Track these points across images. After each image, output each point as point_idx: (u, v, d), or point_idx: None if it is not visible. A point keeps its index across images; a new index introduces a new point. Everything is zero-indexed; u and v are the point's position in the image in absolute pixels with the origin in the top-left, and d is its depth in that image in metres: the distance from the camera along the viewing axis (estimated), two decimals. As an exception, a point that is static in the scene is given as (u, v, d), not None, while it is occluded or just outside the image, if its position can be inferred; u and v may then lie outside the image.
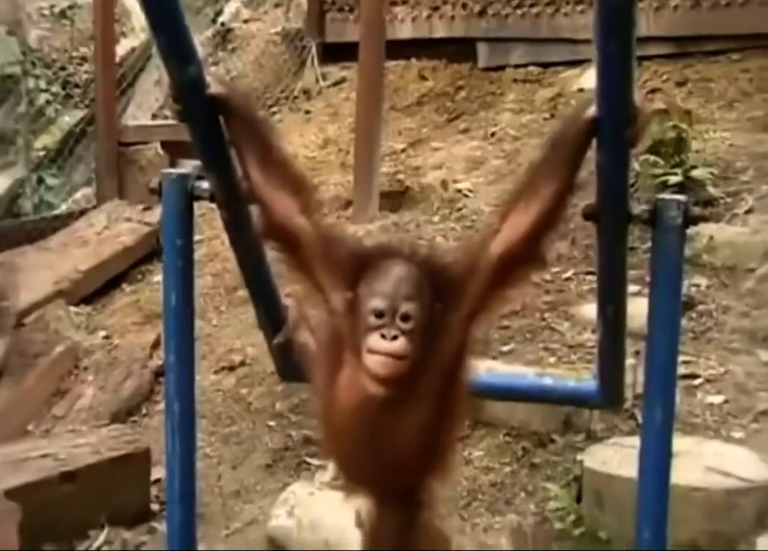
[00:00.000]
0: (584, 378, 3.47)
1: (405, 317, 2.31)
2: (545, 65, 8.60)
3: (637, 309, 2.68)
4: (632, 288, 2.92)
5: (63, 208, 9.16)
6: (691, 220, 2.53)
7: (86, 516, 5.21)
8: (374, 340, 2.30)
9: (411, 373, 2.34)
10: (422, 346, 2.34)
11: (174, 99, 2.41)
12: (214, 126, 2.46)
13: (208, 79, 2.42)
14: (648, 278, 2.59)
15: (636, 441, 2.69)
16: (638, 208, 2.51)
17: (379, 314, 2.31)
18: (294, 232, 2.48)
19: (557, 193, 2.34)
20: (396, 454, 2.53)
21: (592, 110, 2.26)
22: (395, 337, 2.30)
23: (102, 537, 5.22)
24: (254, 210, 2.53)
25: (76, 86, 10.02)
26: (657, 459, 2.59)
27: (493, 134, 7.99)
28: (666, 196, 2.60)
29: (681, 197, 2.57)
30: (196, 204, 2.78)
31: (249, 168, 2.48)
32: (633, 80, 2.18)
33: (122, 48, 9.75)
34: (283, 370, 3.13)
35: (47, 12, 10.52)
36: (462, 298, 2.41)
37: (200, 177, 2.72)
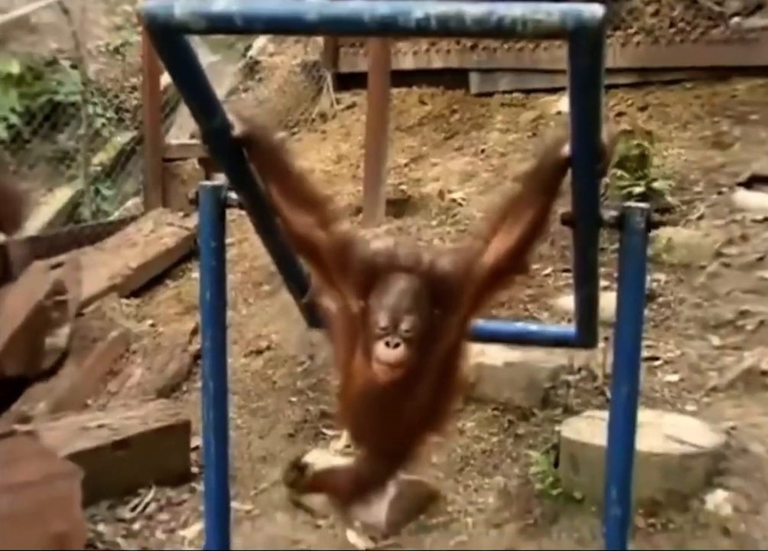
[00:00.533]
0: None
1: (406, 330, 2.37)
2: (528, 91, 8.60)
3: (606, 302, 2.68)
4: (602, 283, 2.91)
5: (116, 215, 9.20)
6: (652, 225, 2.54)
7: (136, 478, 5.22)
8: (380, 349, 2.37)
9: (411, 369, 2.41)
10: (422, 347, 2.41)
11: (203, 142, 2.42)
12: (239, 158, 2.47)
13: (232, 120, 2.44)
14: (616, 275, 2.59)
15: (606, 414, 2.70)
16: (607, 215, 2.52)
17: (383, 327, 2.37)
18: (314, 244, 2.51)
19: (537, 218, 2.38)
20: (400, 425, 2.57)
21: (566, 150, 2.29)
22: (397, 345, 2.36)
23: (150, 495, 5.22)
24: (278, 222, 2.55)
25: (127, 111, 10.07)
26: (624, 429, 2.59)
27: (483, 151, 7.98)
28: (631, 204, 2.60)
29: (644, 205, 2.57)
30: (228, 211, 2.79)
31: (272, 191, 2.51)
32: (600, 127, 2.19)
33: (165, 79, 9.73)
34: (310, 321, 3.19)
35: (103, 49, 10.59)
36: (459, 301, 2.43)
37: (231, 189, 2.73)
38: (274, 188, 2.50)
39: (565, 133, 2.28)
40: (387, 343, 2.36)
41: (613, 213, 2.52)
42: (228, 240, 2.73)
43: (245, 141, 2.47)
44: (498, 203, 2.48)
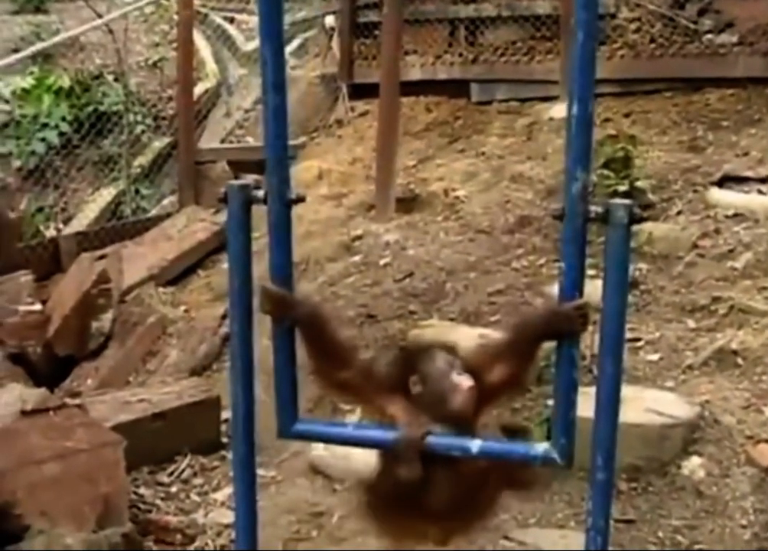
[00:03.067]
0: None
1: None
2: (523, 100, 8.57)
3: (593, 289, 2.66)
4: (589, 272, 2.91)
5: (153, 212, 9.20)
6: (635, 220, 2.53)
7: (172, 446, 5.25)
8: (455, 378, 2.47)
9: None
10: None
11: None
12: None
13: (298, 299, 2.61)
14: (602, 265, 2.58)
15: (592, 390, 2.69)
16: (594, 210, 2.51)
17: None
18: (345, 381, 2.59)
19: (525, 364, 2.50)
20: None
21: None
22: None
23: (185, 462, 5.25)
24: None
25: (164, 119, 10.08)
26: (609, 403, 2.58)
27: (482, 153, 7.97)
28: (616, 201, 2.59)
29: (627, 202, 2.56)
30: (253, 208, 2.79)
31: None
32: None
33: (198, 90, 9.77)
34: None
35: (143, 64, 10.60)
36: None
37: (256, 188, 2.73)
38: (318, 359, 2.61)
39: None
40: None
41: (600, 208, 2.52)
42: (254, 235, 2.72)
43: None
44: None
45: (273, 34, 2.57)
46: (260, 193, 2.73)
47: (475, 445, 2.50)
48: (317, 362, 2.62)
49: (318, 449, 4.82)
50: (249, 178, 2.73)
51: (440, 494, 2.52)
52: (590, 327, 3.53)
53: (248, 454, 2.86)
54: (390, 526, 2.72)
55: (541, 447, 2.55)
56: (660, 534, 3.93)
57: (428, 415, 2.51)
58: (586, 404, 2.54)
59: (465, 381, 2.47)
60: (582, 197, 2.47)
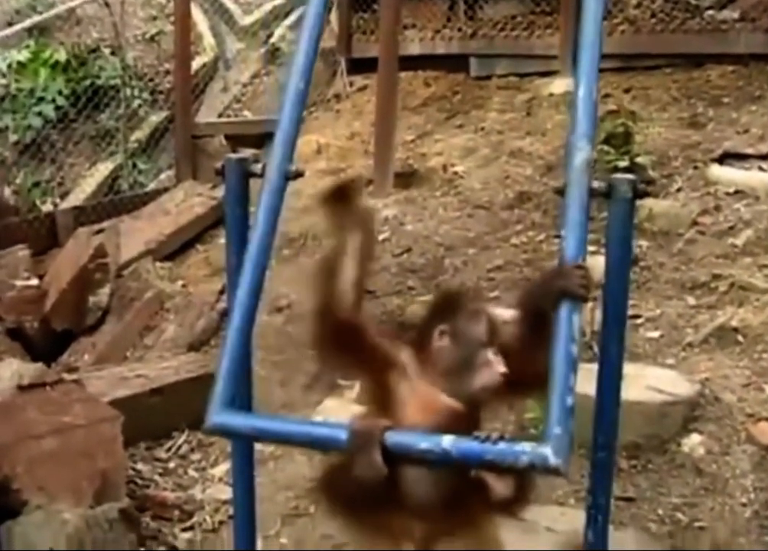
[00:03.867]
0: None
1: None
2: (522, 75, 8.50)
3: (593, 265, 2.62)
4: (589, 248, 2.88)
5: (151, 186, 9.16)
6: (638, 194, 2.50)
7: (170, 422, 5.22)
8: (489, 356, 2.38)
9: None
10: None
11: None
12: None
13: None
14: (603, 241, 2.55)
15: (591, 367, 2.67)
16: (597, 185, 2.48)
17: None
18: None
19: (541, 346, 2.27)
20: None
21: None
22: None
23: (182, 438, 5.23)
24: None
25: (161, 93, 10.02)
26: (611, 380, 2.56)
27: (482, 128, 7.92)
28: (619, 175, 2.56)
29: (631, 177, 2.54)
30: (251, 181, 2.76)
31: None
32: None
33: (195, 64, 9.71)
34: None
35: (140, 38, 10.52)
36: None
37: (254, 161, 2.70)
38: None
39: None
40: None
41: (603, 183, 2.49)
42: (252, 208, 2.69)
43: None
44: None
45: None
46: (258, 166, 2.71)
47: (447, 442, 2.15)
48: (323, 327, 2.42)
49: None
50: (247, 152, 2.69)
51: (417, 493, 2.31)
52: (590, 304, 3.50)
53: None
54: (362, 527, 2.45)
55: (528, 446, 2.14)
56: (660, 512, 3.91)
57: (439, 378, 2.38)
58: (586, 381, 2.51)
59: (499, 364, 2.36)
60: (585, 169, 2.44)
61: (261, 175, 2.68)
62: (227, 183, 2.71)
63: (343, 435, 2.25)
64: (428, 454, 2.16)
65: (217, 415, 2.48)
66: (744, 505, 3.87)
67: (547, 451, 2.09)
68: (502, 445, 2.14)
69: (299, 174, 2.69)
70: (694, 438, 4.18)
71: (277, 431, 2.51)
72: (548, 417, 2.17)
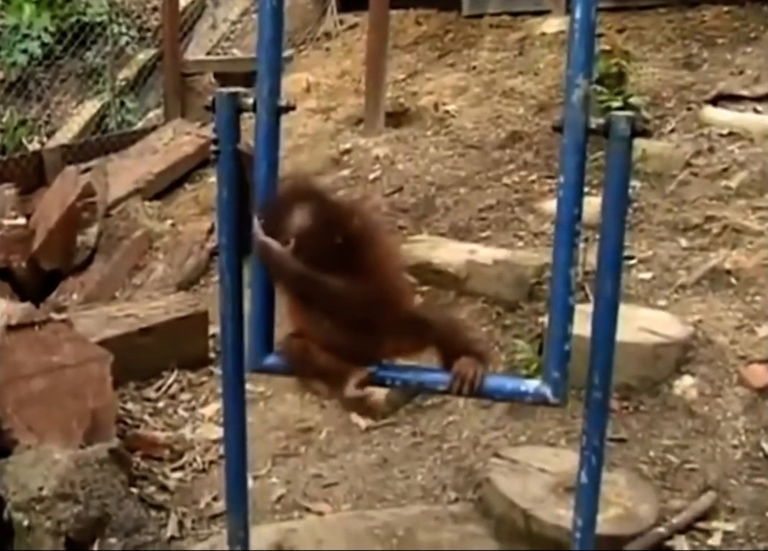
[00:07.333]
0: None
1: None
2: (515, 14, 8.39)
3: (588, 206, 2.56)
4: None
5: (139, 125, 9.05)
6: (637, 133, 2.44)
7: (159, 362, 5.18)
8: None
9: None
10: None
11: None
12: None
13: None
14: (595, 182, 2.50)
15: (585, 307, 2.62)
16: (595, 122, 2.42)
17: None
18: None
19: None
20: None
21: None
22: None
23: (172, 377, 5.19)
24: None
25: (149, 30, 9.89)
26: (607, 322, 2.51)
27: (473, 67, 7.82)
28: (618, 113, 2.49)
29: (629, 114, 2.47)
30: (242, 116, 2.68)
31: None
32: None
33: (183, 1, 9.55)
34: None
35: (127, -27, 10.34)
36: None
37: (245, 95, 2.63)
38: None
39: None
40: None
41: (601, 120, 2.43)
42: (242, 146, 2.62)
43: None
44: None
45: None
46: (249, 101, 2.64)
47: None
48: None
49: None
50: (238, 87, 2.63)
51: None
52: (582, 244, 3.45)
53: (237, 369, 2.81)
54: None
55: (531, 383, 2.51)
56: (651, 453, 3.89)
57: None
58: (578, 322, 2.47)
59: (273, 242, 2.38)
60: (583, 106, 2.39)
61: (254, 110, 2.60)
62: (218, 118, 2.63)
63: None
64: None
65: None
66: (735, 447, 3.86)
67: (547, 392, 2.47)
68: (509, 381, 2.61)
69: (290, 108, 2.63)
70: (687, 380, 4.15)
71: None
72: (547, 362, 2.46)
